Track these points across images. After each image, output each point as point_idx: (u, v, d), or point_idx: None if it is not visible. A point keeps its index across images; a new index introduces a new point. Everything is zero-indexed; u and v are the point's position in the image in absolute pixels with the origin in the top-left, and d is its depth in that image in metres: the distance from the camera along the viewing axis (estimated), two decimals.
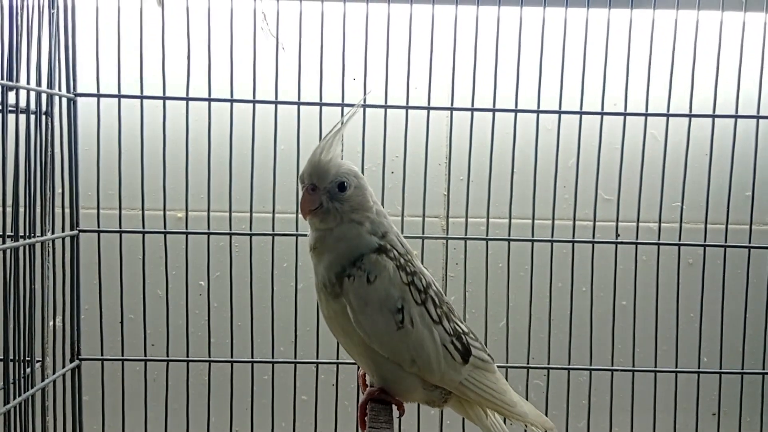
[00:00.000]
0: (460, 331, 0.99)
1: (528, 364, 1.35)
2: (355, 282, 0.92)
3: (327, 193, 0.94)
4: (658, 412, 1.35)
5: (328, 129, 1.27)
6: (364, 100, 1.21)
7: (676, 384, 1.35)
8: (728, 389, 1.37)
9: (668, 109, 1.31)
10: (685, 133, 1.32)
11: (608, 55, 1.30)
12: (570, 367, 1.36)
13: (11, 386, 1.07)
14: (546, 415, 1.34)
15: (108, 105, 1.28)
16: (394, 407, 0.99)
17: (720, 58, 1.30)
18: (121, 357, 1.32)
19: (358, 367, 1.09)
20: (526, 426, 1.07)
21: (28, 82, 1.11)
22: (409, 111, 1.30)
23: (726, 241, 1.34)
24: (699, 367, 1.36)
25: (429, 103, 1.30)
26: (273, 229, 1.31)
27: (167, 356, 1.32)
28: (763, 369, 1.36)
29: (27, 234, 1.11)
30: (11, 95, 1.06)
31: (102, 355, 1.32)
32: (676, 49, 1.29)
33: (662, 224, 1.34)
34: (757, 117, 1.33)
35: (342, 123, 0.95)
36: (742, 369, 1.35)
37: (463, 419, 1.37)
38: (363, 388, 1.08)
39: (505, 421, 1.08)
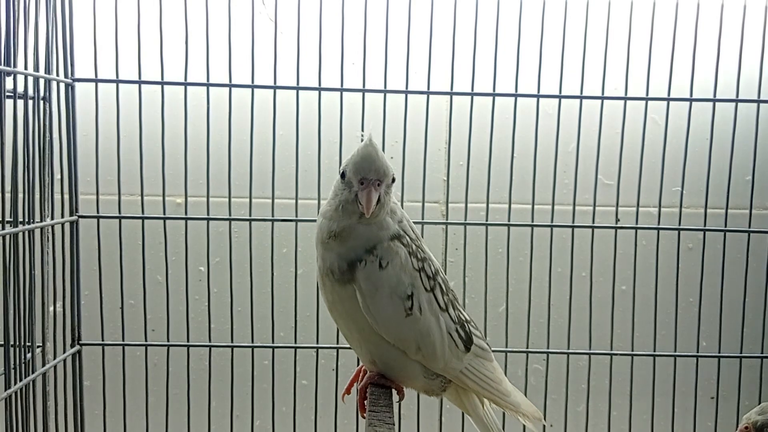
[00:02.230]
0: (464, 319, 0.99)
1: (527, 348, 1.36)
2: (367, 267, 0.91)
3: (385, 188, 0.93)
4: (657, 395, 1.35)
5: (327, 114, 1.28)
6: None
7: (675, 368, 1.36)
8: (727, 373, 1.37)
9: (669, 94, 1.31)
10: (686, 117, 1.31)
11: (609, 39, 1.29)
12: (569, 351, 1.36)
13: (12, 371, 1.07)
14: (545, 399, 1.36)
15: (106, 90, 1.27)
16: (394, 391, 0.99)
17: (721, 42, 1.29)
18: (121, 342, 1.33)
19: (358, 362, 1.09)
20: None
21: (25, 68, 1.11)
22: (409, 96, 1.29)
23: (726, 226, 1.34)
24: (698, 352, 1.37)
25: (428, 88, 1.29)
26: (272, 215, 1.31)
27: (168, 341, 1.33)
28: (762, 353, 1.37)
29: (26, 220, 1.11)
30: (9, 80, 1.05)
31: (102, 340, 1.32)
32: (676, 33, 1.29)
33: (662, 209, 1.34)
34: (758, 101, 1.32)
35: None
36: (741, 353, 1.36)
37: None
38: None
39: (504, 417, 1.08)
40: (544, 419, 1.22)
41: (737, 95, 1.31)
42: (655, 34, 1.29)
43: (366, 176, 0.91)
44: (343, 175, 0.93)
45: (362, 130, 1.30)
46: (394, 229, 0.94)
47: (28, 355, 1.12)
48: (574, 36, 1.29)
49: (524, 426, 1.08)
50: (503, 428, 1.32)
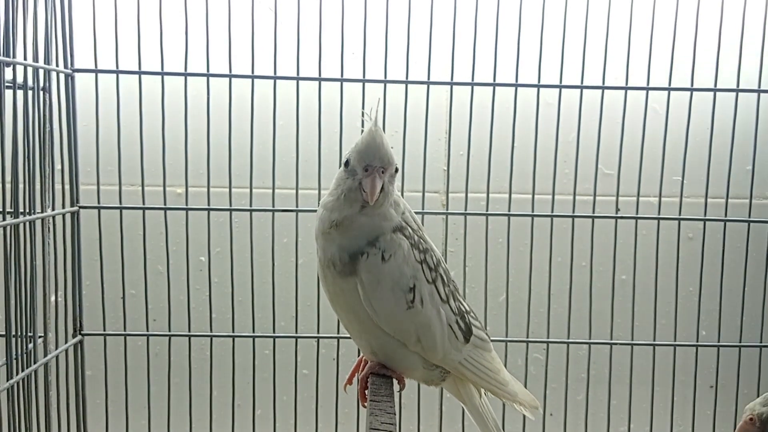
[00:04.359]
0: (464, 310, 0.99)
1: (528, 338, 1.36)
2: (369, 260, 0.91)
3: (389, 176, 0.92)
4: (657, 384, 1.36)
5: (328, 104, 1.28)
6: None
7: (675, 357, 1.36)
8: (726, 362, 1.38)
9: (669, 83, 1.31)
10: (686, 107, 1.31)
11: (609, 29, 1.28)
12: (569, 341, 1.37)
13: (14, 362, 1.07)
14: (545, 388, 1.36)
15: (106, 80, 1.27)
16: (395, 381, 1.00)
17: (722, 32, 1.29)
18: (123, 332, 1.33)
19: (359, 352, 1.10)
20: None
21: (25, 58, 1.11)
22: (409, 86, 1.29)
23: (726, 216, 1.34)
24: (697, 341, 1.37)
25: (429, 78, 1.29)
26: (273, 205, 1.31)
27: (169, 331, 1.33)
28: (761, 342, 1.37)
29: (27, 210, 1.11)
30: (8, 71, 1.05)
31: (104, 330, 1.32)
32: (677, 23, 1.28)
33: (662, 198, 1.34)
34: (758, 91, 1.32)
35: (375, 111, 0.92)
36: (740, 342, 1.36)
37: None
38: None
39: (503, 407, 1.08)
40: (544, 408, 1.22)
41: (738, 85, 1.31)
42: (656, 24, 1.29)
43: (370, 163, 0.90)
44: (347, 164, 0.92)
45: (362, 124, 1.29)
46: (397, 220, 0.94)
47: (30, 346, 1.12)
48: (575, 26, 1.29)
49: (524, 417, 1.09)
50: (503, 417, 1.33)
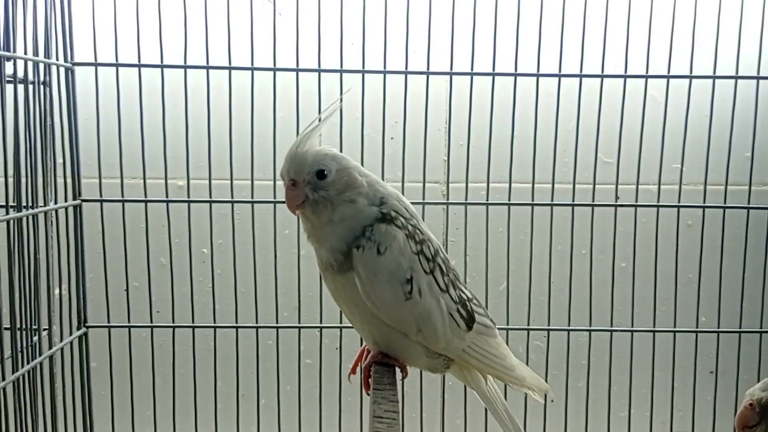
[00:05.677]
0: (465, 298, 1.00)
1: (528, 326, 1.37)
2: (365, 253, 0.91)
3: (308, 185, 0.92)
4: (657, 371, 1.37)
5: (327, 95, 1.29)
6: (341, 99, 1.13)
7: (675, 343, 1.37)
8: (726, 348, 1.39)
9: (669, 71, 1.31)
10: (686, 94, 1.31)
11: (608, 17, 1.28)
12: (570, 328, 1.37)
13: (19, 354, 1.08)
14: (546, 375, 1.37)
15: (106, 74, 1.27)
16: (398, 369, 1.00)
17: (720, 19, 1.29)
18: (127, 324, 1.34)
19: (362, 342, 1.10)
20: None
21: (25, 52, 1.11)
22: (408, 76, 1.29)
23: (725, 202, 1.35)
24: (697, 327, 1.38)
25: (428, 68, 1.29)
26: (274, 197, 1.32)
27: (173, 323, 1.34)
28: (761, 328, 1.38)
29: (30, 204, 1.12)
30: (8, 65, 1.05)
31: (108, 322, 1.33)
32: (676, 10, 1.28)
33: (662, 186, 1.35)
34: (758, 78, 1.32)
35: (320, 120, 0.94)
36: (740, 328, 1.37)
37: None
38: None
39: (506, 388, 1.09)
40: (545, 395, 1.23)
41: (737, 72, 1.31)
42: (655, 11, 1.29)
43: (283, 177, 0.93)
44: None
45: (361, 110, 1.30)
46: (375, 211, 0.93)
47: (35, 338, 1.13)
48: (574, 14, 1.29)
49: (525, 403, 1.10)
50: (505, 399, 1.34)
